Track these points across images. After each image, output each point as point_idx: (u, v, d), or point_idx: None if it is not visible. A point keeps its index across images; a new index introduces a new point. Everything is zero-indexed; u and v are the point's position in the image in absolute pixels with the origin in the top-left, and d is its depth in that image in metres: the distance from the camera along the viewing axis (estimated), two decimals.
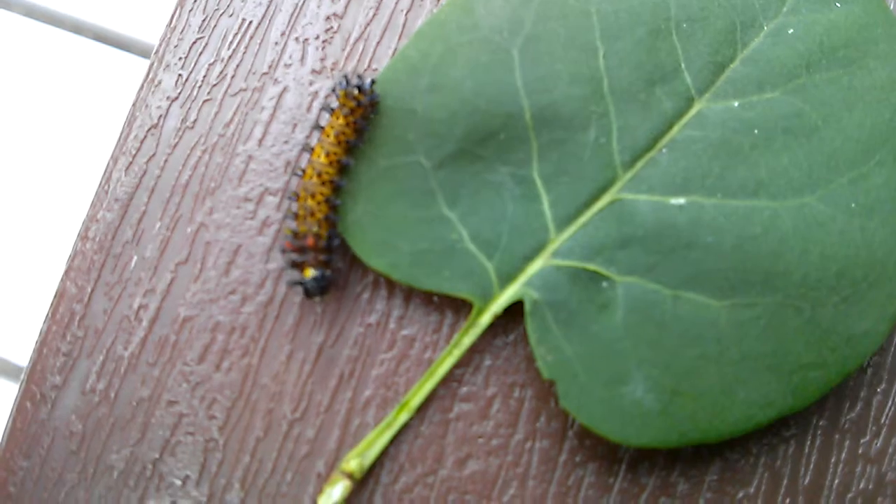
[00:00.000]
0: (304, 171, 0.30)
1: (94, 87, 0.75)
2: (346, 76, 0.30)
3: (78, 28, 0.76)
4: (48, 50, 0.77)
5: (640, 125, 0.30)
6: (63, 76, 0.76)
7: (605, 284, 0.29)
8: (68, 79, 0.76)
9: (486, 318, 0.30)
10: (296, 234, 0.30)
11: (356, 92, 0.30)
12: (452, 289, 0.30)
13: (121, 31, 0.77)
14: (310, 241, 0.29)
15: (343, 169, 0.30)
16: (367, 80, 0.30)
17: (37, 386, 0.31)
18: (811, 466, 0.30)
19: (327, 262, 0.30)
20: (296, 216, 0.30)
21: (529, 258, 0.30)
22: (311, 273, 0.29)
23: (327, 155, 0.30)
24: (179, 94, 0.33)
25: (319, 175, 0.30)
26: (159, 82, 0.33)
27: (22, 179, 0.74)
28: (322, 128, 0.30)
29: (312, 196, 0.29)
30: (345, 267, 0.31)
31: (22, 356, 0.72)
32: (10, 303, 0.72)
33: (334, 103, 0.30)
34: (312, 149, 0.30)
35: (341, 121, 0.30)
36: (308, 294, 0.30)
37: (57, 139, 0.74)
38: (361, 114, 0.30)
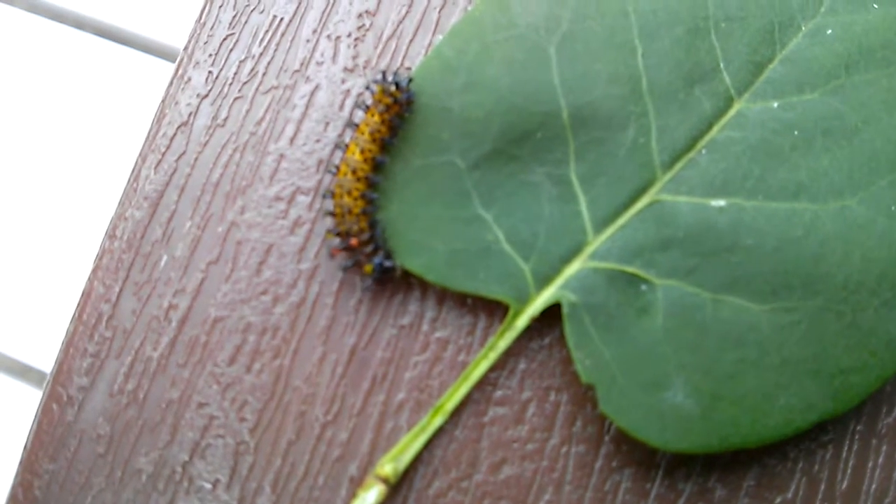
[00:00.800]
0: (338, 168, 0.30)
1: (121, 85, 0.74)
2: (382, 73, 0.30)
3: (79, 23, 0.75)
4: (53, 45, 0.76)
5: (679, 125, 0.30)
6: (89, 74, 0.75)
7: (644, 287, 0.29)
8: (94, 76, 0.75)
9: (522, 321, 0.29)
10: (338, 235, 0.29)
11: (393, 88, 0.29)
12: (488, 291, 0.30)
13: (122, 26, 0.76)
14: (353, 241, 0.29)
15: (378, 166, 0.30)
16: (405, 77, 0.29)
17: (63, 387, 0.30)
18: (849, 471, 0.30)
19: (376, 251, 0.29)
20: (333, 215, 0.29)
21: (567, 260, 0.30)
22: (370, 269, 0.29)
23: (362, 152, 0.29)
24: (210, 91, 0.32)
25: (354, 172, 0.29)
26: (189, 79, 0.32)
27: (21, 181, 0.74)
28: (356, 125, 0.30)
29: (349, 193, 0.29)
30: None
31: (37, 359, 0.71)
32: (25, 306, 0.71)
33: (369, 100, 0.30)
34: (346, 146, 0.30)
35: (377, 118, 0.29)
36: (382, 282, 0.30)
37: (59, 138, 0.73)
38: (397, 111, 0.29)
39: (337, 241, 0.30)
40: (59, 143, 0.74)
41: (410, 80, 0.30)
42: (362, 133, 0.29)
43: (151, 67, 0.75)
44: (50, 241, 0.72)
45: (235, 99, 0.32)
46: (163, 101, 0.32)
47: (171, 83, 0.32)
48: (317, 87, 0.32)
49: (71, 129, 0.74)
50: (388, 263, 0.29)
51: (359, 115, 0.30)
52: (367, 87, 0.30)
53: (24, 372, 0.71)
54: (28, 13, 0.77)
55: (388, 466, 0.28)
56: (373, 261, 0.29)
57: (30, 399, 0.70)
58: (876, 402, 0.30)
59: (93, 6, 0.76)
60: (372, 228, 0.29)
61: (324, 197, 0.30)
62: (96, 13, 0.76)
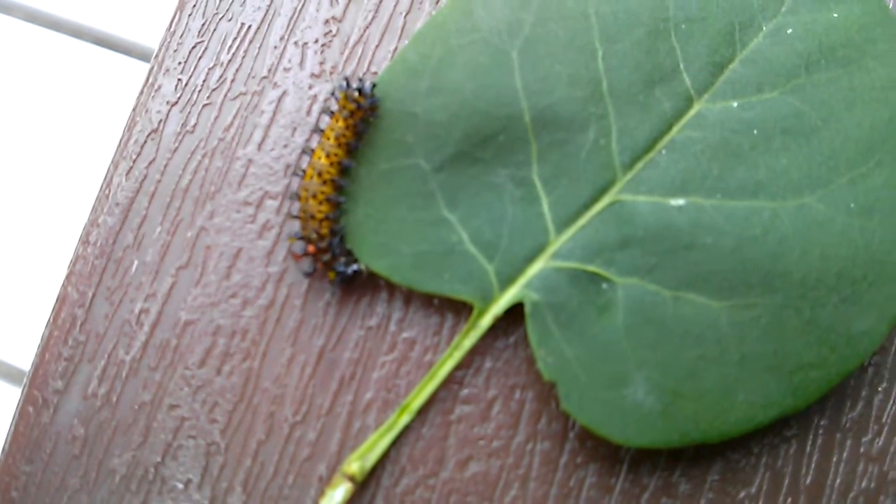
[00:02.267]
0: (304, 171, 0.30)
1: (95, 91, 0.75)
2: (346, 79, 0.30)
3: (78, 32, 0.76)
4: (48, 54, 0.77)
5: (639, 126, 0.30)
6: (63, 80, 0.76)
7: (605, 286, 0.30)
8: (69, 83, 0.76)
9: (486, 320, 0.30)
10: (300, 239, 0.30)
11: (356, 95, 0.30)
12: (453, 291, 0.30)
13: (120, 35, 0.77)
14: (310, 248, 0.30)
15: (344, 170, 0.30)
16: (368, 83, 0.30)
17: (39, 391, 0.31)
18: (813, 466, 0.30)
19: (333, 259, 0.30)
20: (298, 218, 0.30)
21: (529, 260, 0.30)
22: (333, 276, 0.30)
23: (328, 156, 0.30)
24: (179, 98, 0.33)
25: (320, 175, 0.30)
26: (159, 87, 0.33)
27: (23, 183, 0.74)
28: (322, 130, 0.30)
29: (314, 196, 0.30)
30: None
31: (24, 360, 0.72)
32: (12, 307, 0.72)
33: (334, 106, 0.30)
34: (313, 150, 0.30)
35: (341, 123, 0.30)
36: (345, 284, 0.31)
37: (57, 143, 0.74)
38: (361, 117, 0.30)
39: (298, 245, 0.30)
40: (59, 147, 0.74)
41: (374, 86, 0.30)
42: (328, 138, 0.30)
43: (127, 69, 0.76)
44: (44, 243, 0.72)
45: (204, 105, 0.33)
46: (133, 109, 0.33)
47: (141, 91, 0.33)
48: (284, 93, 0.33)
49: (71, 134, 0.74)
50: (350, 269, 0.30)
51: (325, 121, 0.31)
52: (332, 94, 0.30)
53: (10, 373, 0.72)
54: (26, 22, 0.78)
55: (355, 464, 0.29)
56: (335, 267, 0.30)
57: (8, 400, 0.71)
58: (840, 396, 0.31)
59: (91, 15, 0.76)
60: (332, 235, 0.30)
61: (290, 199, 0.31)
62: (94, 22, 0.76)
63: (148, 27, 0.76)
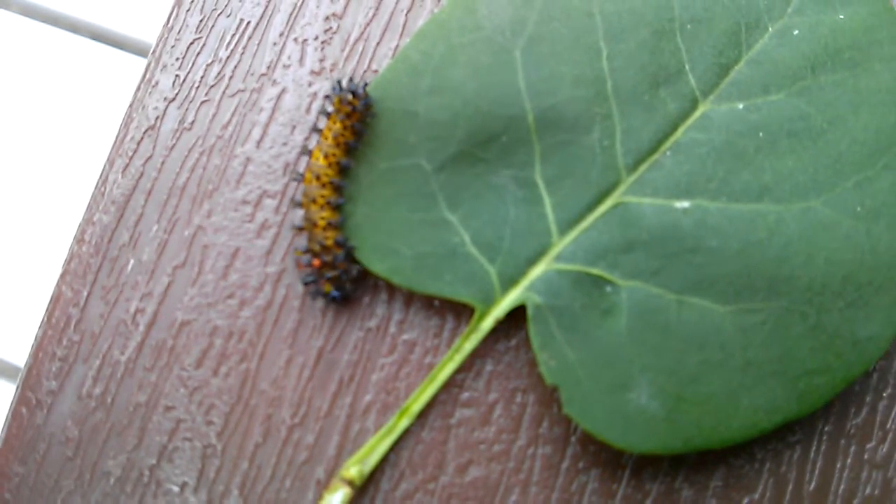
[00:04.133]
0: (303, 175, 0.30)
1: (91, 87, 0.74)
2: (339, 81, 0.30)
3: (75, 27, 0.76)
4: (45, 49, 0.76)
5: (644, 127, 0.30)
6: (60, 75, 0.75)
7: (608, 289, 0.29)
8: (65, 78, 0.75)
9: (487, 323, 0.29)
10: (304, 253, 0.29)
11: (350, 97, 0.29)
12: (454, 293, 0.30)
13: (118, 30, 0.76)
14: (315, 262, 0.29)
15: (343, 170, 0.30)
16: (361, 85, 0.29)
17: (32, 391, 0.30)
18: (817, 472, 0.30)
19: (339, 277, 0.30)
20: (300, 230, 0.29)
21: (532, 262, 0.30)
22: (328, 289, 0.30)
23: (326, 157, 0.29)
24: (177, 95, 0.32)
25: (318, 178, 0.29)
26: (156, 83, 0.32)
27: (18, 180, 0.74)
28: (320, 131, 0.30)
29: (314, 202, 0.29)
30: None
31: (19, 357, 0.71)
32: (7, 304, 0.72)
33: (330, 108, 0.30)
34: (311, 152, 0.30)
35: (338, 125, 0.29)
36: (334, 301, 0.30)
37: (53, 139, 0.73)
38: (358, 118, 0.29)
39: (302, 257, 0.30)
40: (55, 144, 0.74)
41: (366, 86, 0.30)
42: (326, 138, 0.30)
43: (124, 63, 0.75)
44: (40, 240, 0.72)
45: (202, 102, 0.32)
46: (130, 106, 0.32)
47: (138, 87, 0.32)
48: (283, 91, 0.32)
49: (67, 130, 0.74)
50: (348, 291, 0.30)
51: (323, 122, 0.30)
52: (327, 96, 0.30)
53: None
54: (22, 17, 0.77)
55: (354, 469, 0.29)
56: (335, 287, 0.30)
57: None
58: (844, 402, 0.30)
59: (88, 10, 0.76)
60: (338, 249, 0.29)
61: (293, 206, 0.30)
62: (91, 17, 0.76)
63: (145, 22, 0.75)
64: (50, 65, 0.75)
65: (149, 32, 0.75)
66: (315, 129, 0.30)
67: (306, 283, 0.30)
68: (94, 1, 0.74)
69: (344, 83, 0.30)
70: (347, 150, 0.30)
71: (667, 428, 0.28)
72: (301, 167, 0.31)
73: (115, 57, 0.74)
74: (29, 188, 0.73)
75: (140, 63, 0.74)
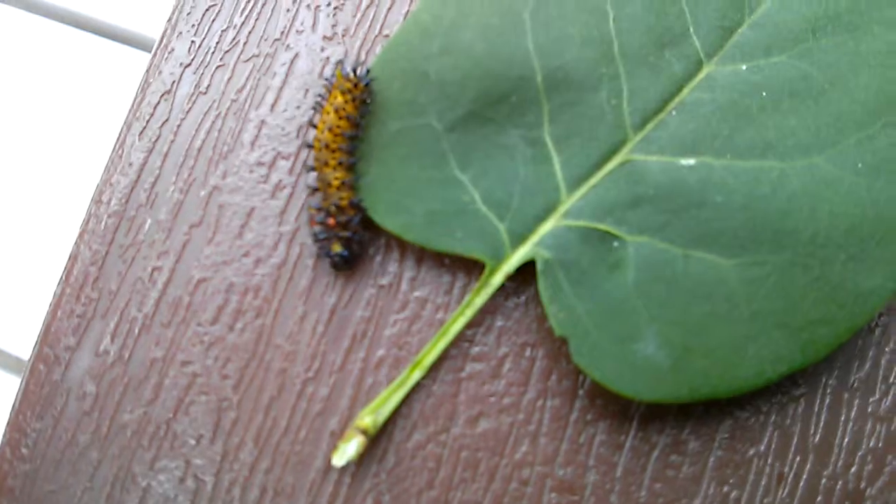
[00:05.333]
0: (311, 145, 0.30)
1: (92, 79, 0.75)
2: (340, 62, 0.31)
3: (75, 20, 0.76)
4: (47, 43, 0.77)
5: (650, 87, 0.31)
6: (61, 69, 0.76)
7: (616, 244, 0.30)
8: (67, 71, 0.76)
9: (497, 278, 0.30)
10: (318, 210, 0.30)
11: (352, 75, 0.30)
12: (465, 249, 0.30)
13: (114, 23, 0.77)
14: (331, 221, 0.30)
15: (350, 139, 0.31)
16: (362, 69, 0.30)
17: (50, 348, 0.31)
18: (821, 425, 0.30)
19: (351, 238, 0.30)
20: (315, 191, 0.30)
21: (541, 219, 0.30)
22: (337, 249, 0.30)
23: (331, 130, 0.30)
24: (192, 60, 0.33)
25: (328, 146, 0.30)
26: (172, 49, 0.33)
27: (18, 183, 0.74)
28: (322, 107, 0.31)
29: (326, 164, 0.30)
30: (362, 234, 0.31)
31: (16, 346, 0.71)
32: (6, 293, 0.72)
33: (329, 89, 0.31)
34: (316, 126, 0.30)
35: (340, 98, 0.30)
36: (335, 268, 0.30)
37: (51, 137, 0.74)
38: (357, 95, 0.30)
39: (317, 214, 0.30)
40: (52, 141, 0.74)
41: (368, 72, 0.31)
42: (328, 112, 0.30)
43: (127, 58, 0.76)
44: (38, 237, 0.72)
45: (217, 67, 0.33)
46: (147, 71, 0.33)
47: (154, 53, 0.33)
48: (297, 56, 0.33)
49: (64, 128, 0.74)
50: (355, 253, 0.30)
51: (316, 118, 0.31)
52: (327, 79, 0.31)
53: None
54: (26, 12, 0.78)
55: (368, 418, 0.29)
56: (343, 246, 0.30)
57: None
58: (848, 356, 0.31)
59: (90, 4, 0.76)
60: (353, 210, 0.30)
61: (306, 171, 0.31)
62: (94, 12, 0.76)
63: (143, 15, 0.76)
64: (51, 58, 0.76)
65: (137, 24, 0.76)
66: (317, 107, 0.31)
67: (318, 240, 0.30)
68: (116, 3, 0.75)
69: (347, 66, 0.30)
70: (351, 124, 0.30)
71: (674, 377, 0.29)
72: (310, 136, 0.32)
73: (116, 50, 0.75)
74: (29, 190, 0.74)
75: (135, 55, 0.74)
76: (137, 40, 0.76)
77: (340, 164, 0.30)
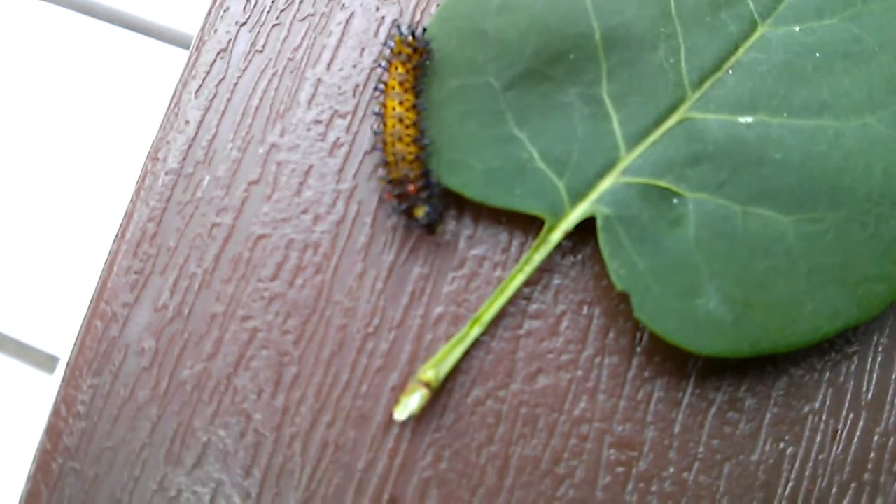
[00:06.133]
0: (384, 122, 0.30)
1: (129, 78, 0.74)
2: (397, 25, 0.31)
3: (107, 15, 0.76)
4: (81, 38, 0.77)
5: (707, 46, 0.31)
6: (95, 64, 0.76)
7: (675, 201, 0.30)
8: (101, 66, 0.75)
9: (556, 235, 0.30)
10: (391, 182, 0.30)
11: (410, 38, 0.30)
12: (525, 206, 0.30)
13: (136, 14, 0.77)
14: (411, 188, 0.30)
15: (420, 112, 0.31)
16: (419, 28, 0.30)
17: (107, 304, 0.31)
18: (874, 382, 0.31)
19: (430, 197, 0.30)
20: (386, 164, 0.30)
21: (600, 176, 0.30)
22: (421, 212, 0.30)
23: (401, 103, 0.30)
24: (248, 18, 0.33)
25: (401, 120, 0.30)
26: (228, 8, 0.33)
27: (49, 185, 0.74)
28: (385, 83, 0.31)
29: (401, 139, 0.30)
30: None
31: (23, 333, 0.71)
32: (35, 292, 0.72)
33: (388, 55, 0.31)
34: (384, 104, 0.30)
35: (401, 69, 0.30)
36: (429, 230, 0.30)
37: (57, 138, 0.74)
38: (418, 60, 0.30)
39: (390, 187, 0.30)
40: (59, 144, 0.74)
41: (425, 31, 0.31)
42: (392, 88, 0.30)
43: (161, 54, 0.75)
44: (43, 239, 0.72)
45: (273, 26, 0.33)
46: (202, 29, 0.33)
47: (209, 13, 0.33)
48: (352, 15, 0.33)
49: (78, 128, 0.74)
50: (439, 210, 0.30)
51: (385, 75, 0.31)
52: (385, 44, 0.31)
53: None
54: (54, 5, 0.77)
55: (430, 372, 0.29)
56: (426, 207, 0.30)
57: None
58: None
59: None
60: (426, 176, 0.30)
61: (377, 149, 0.31)
62: (116, 3, 0.76)
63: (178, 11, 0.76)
64: (84, 53, 0.75)
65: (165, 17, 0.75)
66: (379, 82, 0.31)
67: (402, 211, 0.30)
68: None
69: (404, 29, 0.30)
70: (417, 94, 0.30)
71: (735, 332, 0.29)
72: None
73: (152, 46, 0.75)
74: (60, 196, 0.73)
75: (163, 49, 0.74)
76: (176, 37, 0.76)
77: (415, 141, 0.30)
